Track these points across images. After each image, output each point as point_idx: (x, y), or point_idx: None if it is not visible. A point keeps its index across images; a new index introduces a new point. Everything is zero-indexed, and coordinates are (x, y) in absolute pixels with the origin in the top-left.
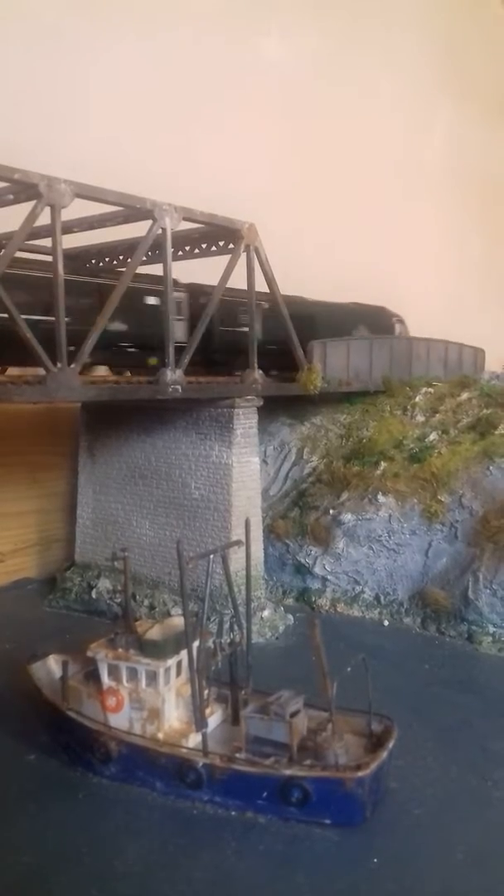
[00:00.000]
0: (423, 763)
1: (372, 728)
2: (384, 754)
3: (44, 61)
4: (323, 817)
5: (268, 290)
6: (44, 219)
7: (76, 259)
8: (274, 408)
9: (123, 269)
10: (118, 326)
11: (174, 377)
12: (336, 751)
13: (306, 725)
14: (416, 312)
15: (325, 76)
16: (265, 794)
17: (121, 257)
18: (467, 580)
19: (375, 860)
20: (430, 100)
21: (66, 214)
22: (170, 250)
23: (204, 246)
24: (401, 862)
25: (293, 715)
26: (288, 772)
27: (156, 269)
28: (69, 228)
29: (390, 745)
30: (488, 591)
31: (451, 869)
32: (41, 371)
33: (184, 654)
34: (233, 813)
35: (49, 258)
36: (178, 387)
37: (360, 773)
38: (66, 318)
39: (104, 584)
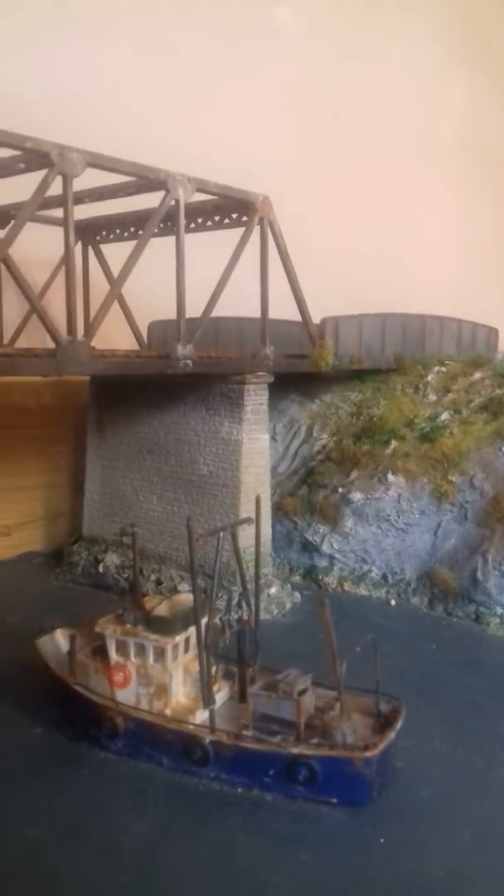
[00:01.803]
0: (431, 744)
1: (380, 708)
2: (392, 734)
3: (57, 33)
4: (330, 796)
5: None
6: (55, 188)
7: (87, 230)
8: (284, 385)
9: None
10: None
11: (185, 352)
12: (344, 730)
13: (314, 704)
14: (429, 289)
15: (338, 47)
16: (272, 772)
17: (132, 229)
18: (476, 561)
19: (382, 840)
20: (444, 72)
21: (78, 184)
22: (182, 222)
23: (217, 218)
24: (408, 842)
25: (301, 693)
26: (295, 750)
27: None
28: (80, 199)
29: (398, 725)
30: (497, 572)
31: (458, 850)
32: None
33: (192, 630)
34: (239, 790)
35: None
36: (189, 362)
37: (368, 753)
38: None
39: (111, 558)
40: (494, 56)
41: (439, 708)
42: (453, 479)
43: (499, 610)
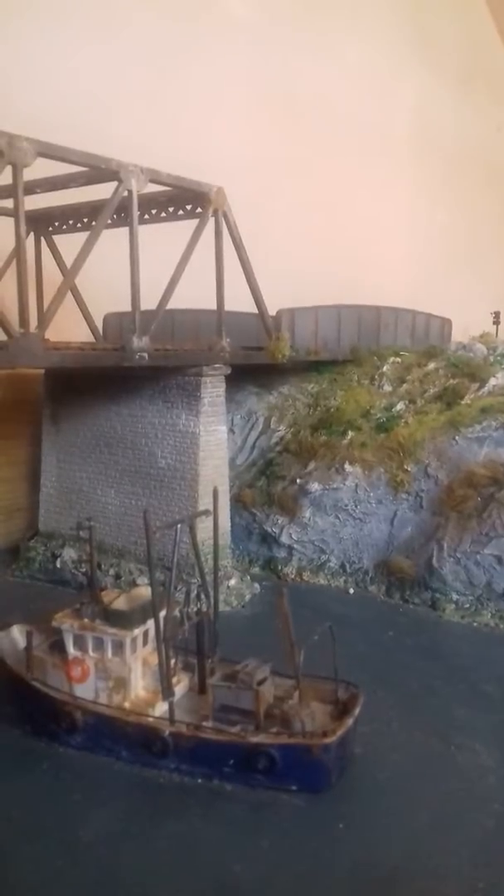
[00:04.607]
0: (389, 729)
1: (338, 695)
2: (350, 721)
3: (10, 18)
4: (289, 784)
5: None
6: (5, 178)
7: (39, 221)
8: (241, 376)
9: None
10: None
11: (140, 344)
12: (302, 718)
13: (273, 693)
14: (384, 281)
15: (292, 40)
16: (232, 761)
17: (86, 220)
18: (432, 549)
19: (341, 825)
20: (398, 66)
21: (29, 174)
22: (136, 213)
23: (171, 209)
24: (366, 827)
25: (260, 683)
26: (254, 739)
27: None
28: (32, 189)
29: (356, 711)
30: (452, 559)
31: (416, 833)
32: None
33: (150, 623)
34: (199, 781)
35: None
36: (145, 354)
37: (326, 740)
38: None
39: (69, 553)
40: (446, 53)
41: (397, 693)
42: (409, 469)
43: (454, 596)
